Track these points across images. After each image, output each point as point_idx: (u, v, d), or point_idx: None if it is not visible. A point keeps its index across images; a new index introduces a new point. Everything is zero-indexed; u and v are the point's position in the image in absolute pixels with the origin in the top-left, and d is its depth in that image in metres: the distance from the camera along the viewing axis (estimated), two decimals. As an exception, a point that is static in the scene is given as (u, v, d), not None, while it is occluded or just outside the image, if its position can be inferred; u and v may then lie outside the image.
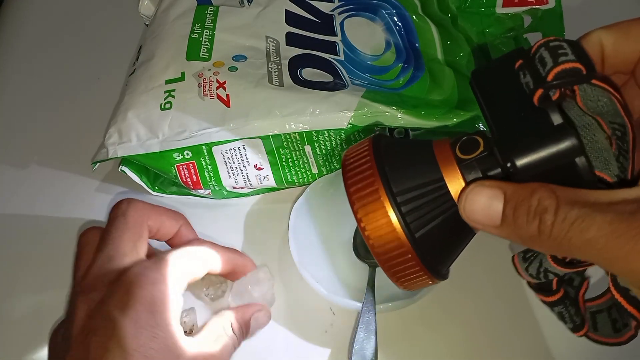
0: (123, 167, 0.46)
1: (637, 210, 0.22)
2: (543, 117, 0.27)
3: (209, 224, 0.46)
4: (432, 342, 0.43)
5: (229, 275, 0.41)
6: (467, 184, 0.29)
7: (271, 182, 0.47)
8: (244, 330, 0.39)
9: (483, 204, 0.26)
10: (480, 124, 0.46)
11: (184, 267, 0.36)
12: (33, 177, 0.51)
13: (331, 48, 0.51)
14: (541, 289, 0.31)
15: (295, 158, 0.46)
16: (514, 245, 0.46)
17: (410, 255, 0.30)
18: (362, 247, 0.45)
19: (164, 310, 0.33)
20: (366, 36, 0.53)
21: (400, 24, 0.55)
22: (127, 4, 0.60)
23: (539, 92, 0.27)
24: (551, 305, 0.32)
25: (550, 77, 0.26)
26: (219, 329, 0.37)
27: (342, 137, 0.45)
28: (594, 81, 0.26)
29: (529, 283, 0.32)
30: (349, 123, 0.44)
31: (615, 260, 0.23)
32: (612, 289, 0.28)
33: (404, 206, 0.29)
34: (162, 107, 0.45)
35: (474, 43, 0.53)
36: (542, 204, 0.24)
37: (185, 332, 0.42)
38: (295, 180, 0.48)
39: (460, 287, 0.44)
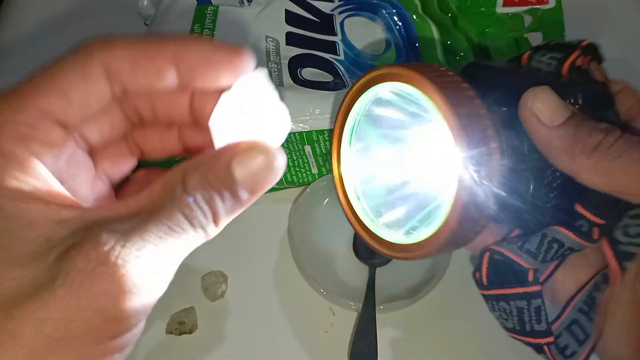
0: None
1: None
2: (573, 81, 0.29)
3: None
4: (432, 342, 0.43)
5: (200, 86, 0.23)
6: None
7: (271, 182, 0.47)
8: (217, 184, 0.21)
9: (552, 103, 0.27)
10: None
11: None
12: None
13: (331, 48, 0.51)
14: (515, 281, 0.31)
15: (295, 158, 0.46)
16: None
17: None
18: (362, 247, 0.45)
19: None
20: (366, 36, 0.53)
21: (400, 23, 0.55)
22: (127, 4, 0.59)
23: (576, 54, 0.29)
24: (530, 297, 0.31)
25: (584, 44, 0.29)
26: (158, 195, 0.20)
27: (342, 137, 0.45)
28: (601, 64, 0.29)
29: (478, 282, 0.32)
30: (349, 123, 0.44)
31: None
32: (607, 253, 0.29)
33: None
34: (162, 107, 0.45)
35: (474, 43, 0.53)
36: (610, 127, 0.27)
37: (184, 332, 0.42)
38: (295, 180, 0.48)
39: (460, 287, 0.44)
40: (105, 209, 0.20)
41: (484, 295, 0.33)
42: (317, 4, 0.55)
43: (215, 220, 0.21)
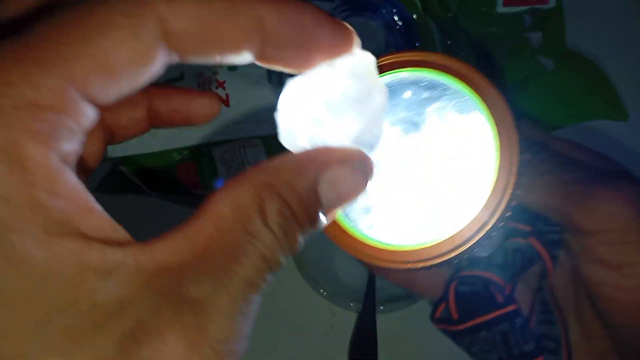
0: (122, 166, 0.46)
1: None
2: None
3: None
4: (432, 342, 0.43)
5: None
6: None
7: (271, 182, 0.47)
8: (299, 213, 0.16)
9: None
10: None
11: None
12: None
13: (331, 47, 0.51)
14: (489, 305, 0.30)
15: (295, 158, 0.46)
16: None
17: None
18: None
19: None
20: (366, 36, 0.53)
21: (400, 23, 0.54)
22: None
23: None
24: (512, 316, 0.30)
25: None
26: (219, 231, 0.15)
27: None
28: None
29: (444, 319, 0.31)
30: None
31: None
32: (536, 245, 0.30)
33: None
34: (162, 106, 0.45)
35: (475, 42, 0.53)
36: (539, 149, 0.29)
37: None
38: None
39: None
40: (162, 247, 0.14)
41: (457, 332, 0.31)
42: (317, 4, 0.55)
43: (289, 256, 0.17)
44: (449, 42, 0.53)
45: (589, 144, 0.48)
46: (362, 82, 0.17)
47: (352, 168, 0.17)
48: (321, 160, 0.16)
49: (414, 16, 0.54)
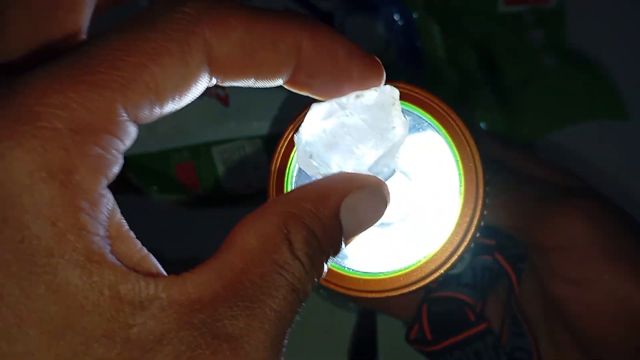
0: (122, 166, 0.46)
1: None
2: None
3: (208, 225, 0.46)
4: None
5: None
6: None
7: (271, 181, 0.47)
8: (324, 241, 0.16)
9: None
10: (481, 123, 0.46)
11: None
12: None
13: (331, 47, 0.51)
14: (462, 325, 0.30)
15: (295, 158, 0.46)
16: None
17: None
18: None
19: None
20: (367, 35, 0.53)
21: (401, 22, 0.54)
22: (127, 4, 0.59)
23: None
24: (484, 335, 0.30)
25: None
26: (244, 259, 0.15)
27: (343, 136, 0.45)
28: None
29: (419, 340, 0.31)
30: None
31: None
32: (500, 260, 0.30)
33: None
34: (161, 106, 0.45)
35: (476, 41, 0.53)
36: (498, 168, 0.30)
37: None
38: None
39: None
40: (193, 281, 0.15)
41: (432, 353, 0.31)
42: (317, 3, 0.55)
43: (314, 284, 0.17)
44: (449, 41, 0.52)
45: (589, 144, 0.48)
46: (385, 114, 0.18)
47: (371, 194, 0.17)
48: (342, 188, 0.17)
49: (415, 15, 0.54)
